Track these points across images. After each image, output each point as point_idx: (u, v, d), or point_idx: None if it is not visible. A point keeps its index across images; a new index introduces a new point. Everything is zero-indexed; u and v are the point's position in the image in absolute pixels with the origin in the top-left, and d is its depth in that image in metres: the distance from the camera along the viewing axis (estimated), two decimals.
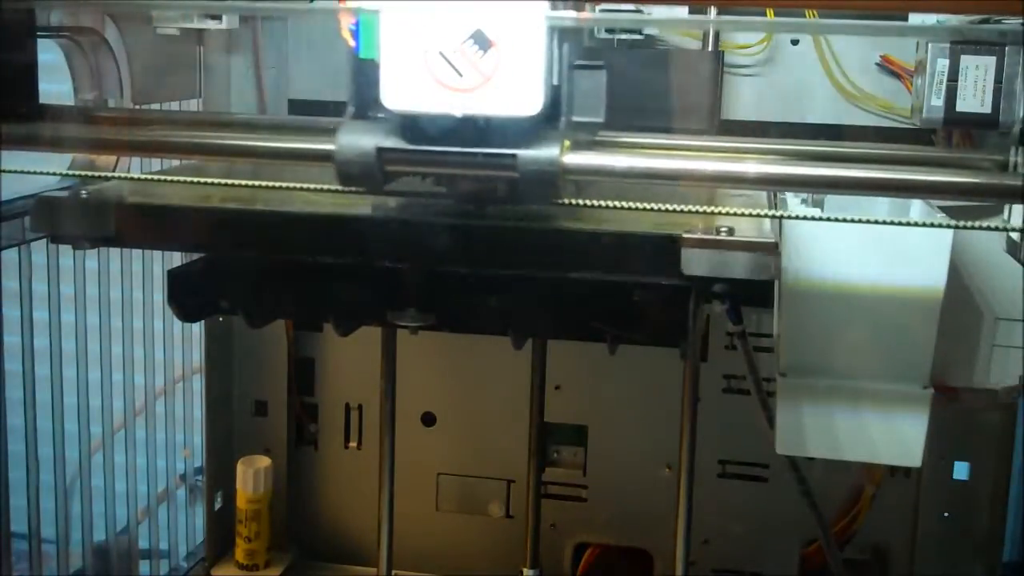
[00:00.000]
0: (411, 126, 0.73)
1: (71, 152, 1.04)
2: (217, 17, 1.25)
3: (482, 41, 0.69)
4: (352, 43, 0.73)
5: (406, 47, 0.70)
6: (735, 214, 0.81)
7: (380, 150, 0.73)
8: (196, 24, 1.26)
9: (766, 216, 0.82)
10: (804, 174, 0.76)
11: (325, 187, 0.80)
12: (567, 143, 0.73)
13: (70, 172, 1.08)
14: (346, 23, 0.73)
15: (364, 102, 0.75)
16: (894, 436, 0.91)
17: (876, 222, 0.79)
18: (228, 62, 1.36)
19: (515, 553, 1.30)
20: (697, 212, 0.81)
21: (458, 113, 0.71)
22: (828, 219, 0.79)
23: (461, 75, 0.70)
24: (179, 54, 1.30)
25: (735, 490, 1.35)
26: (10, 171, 0.91)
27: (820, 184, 0.77)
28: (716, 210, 0.82)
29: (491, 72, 0.70)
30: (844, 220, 0.80)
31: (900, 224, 0.83)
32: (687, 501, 1.08)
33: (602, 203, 0.77)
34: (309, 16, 1.34)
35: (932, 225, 0.82)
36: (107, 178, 1.00)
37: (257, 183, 0.86)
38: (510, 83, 0.70)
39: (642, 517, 1.35)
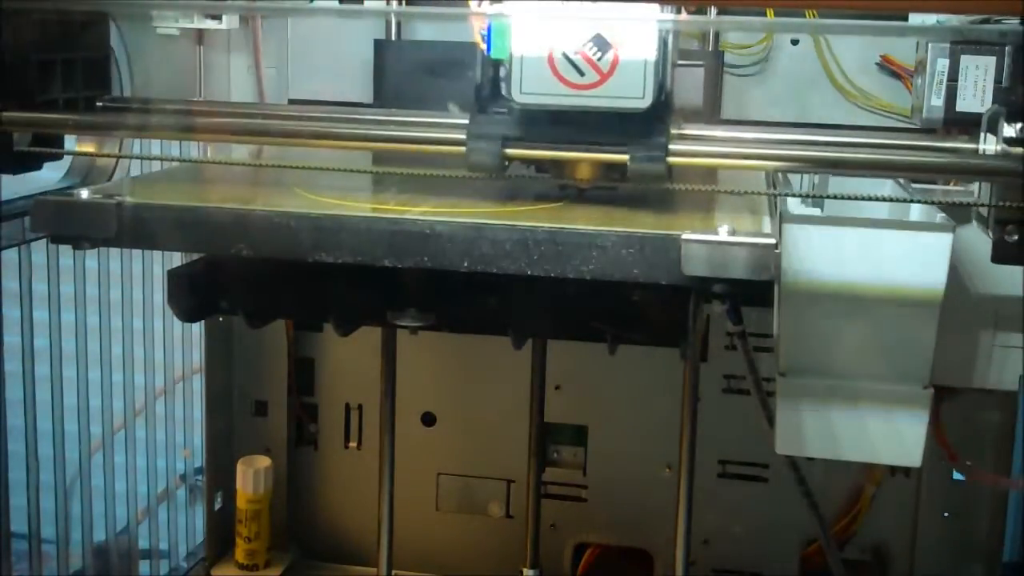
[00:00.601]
0: (531, 118, 0.82)
1: (206, 140, 1.10)
2: (217, 17, 1.25)
3: (601, 43, 0.78)
4: (483, 45, 0.81)
5: (534, 49, 0.79)
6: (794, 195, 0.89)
7: (505, 139, 0.83)
8: (196, 24, 1.26)
9: (827, 197, 0.89)
10: (881, 159, 0.83)
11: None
12: (672, 133, 0.82)
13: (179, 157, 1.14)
14: (478, 27, 0.81)
15: (487, 97, 0.84)
16: (894, 436, 0.91)
17: (870, 198, 0.83)
18: (228, 62, 1.36)
19: (515, 553, 1.30)
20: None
21: (580, 107, 0.79)
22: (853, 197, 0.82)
23: (582, 74, 0.79)
24: (179, 54, 1.30)
25: (735, 490, 1.35)
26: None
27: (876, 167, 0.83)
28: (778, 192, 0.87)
29: (609, 71, 0.78)
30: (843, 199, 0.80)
31: (874, 198, 0.85)
32: (687, 501, 1.08)
33: (691, 187, 0.86)
34: (309, 16, 1.34)
35: (891, 200, 0.87)
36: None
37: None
38: (625, 80, 0.78)
39: (642, 517, 1.35)
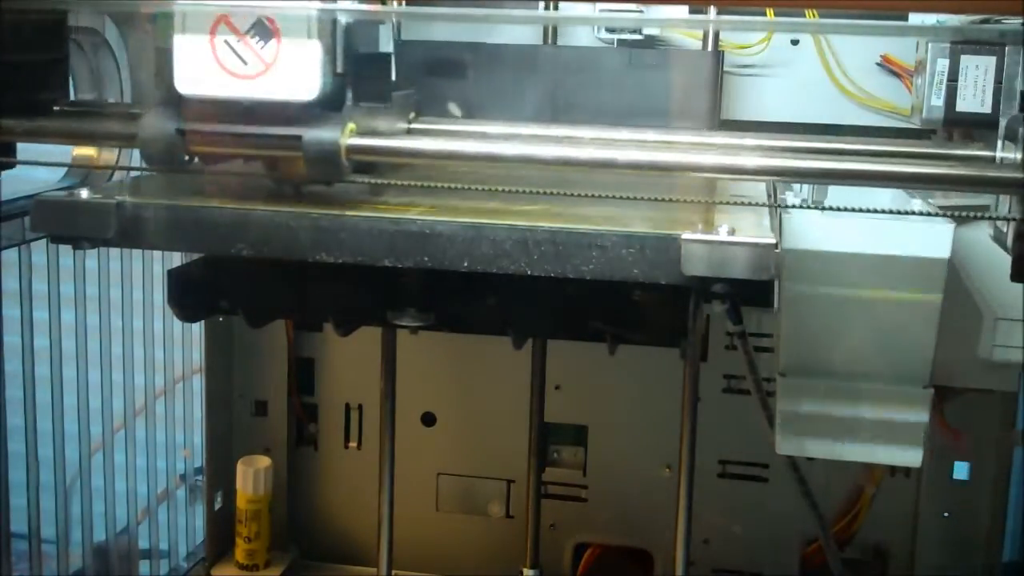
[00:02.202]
0: (213, 110, 0.79)
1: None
2: None
3: (264, 32, 0.76)
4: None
5: (197, 36, 0.77)
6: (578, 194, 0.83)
7: (179, 131, 0.80)
8: None
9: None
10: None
11: None
12: (351, 126, 0.79)
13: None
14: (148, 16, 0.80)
15: (170, 89, 0.80)
16: (894, 436, 0.91)
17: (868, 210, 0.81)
18: None
19: (515, 553, 1.30)
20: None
21: (242, 97, 0.77)
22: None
23: (246, 63, 0.76)
24: None
25: (735, 490, 1.35)
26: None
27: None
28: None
29: (272, 60, 0.76)
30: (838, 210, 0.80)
31: (897, 212, 0.83)
32: (687, 501, 1.08)
33: (403, 182, 0.85)
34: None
35: (924, 214, 0.82)
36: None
37: None
38: (289, 70, 0.76)
39: (642, 517, 1.35)
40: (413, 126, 0.86)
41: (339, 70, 0.78)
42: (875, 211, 0.82)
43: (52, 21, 0.93)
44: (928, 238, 0.87)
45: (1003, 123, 0.83)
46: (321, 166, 0.79)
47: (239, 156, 0.85)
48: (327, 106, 0.79)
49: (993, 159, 0.80)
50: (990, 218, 0.80)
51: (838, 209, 0.81)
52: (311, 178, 0.82)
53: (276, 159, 0.84)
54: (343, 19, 0.77)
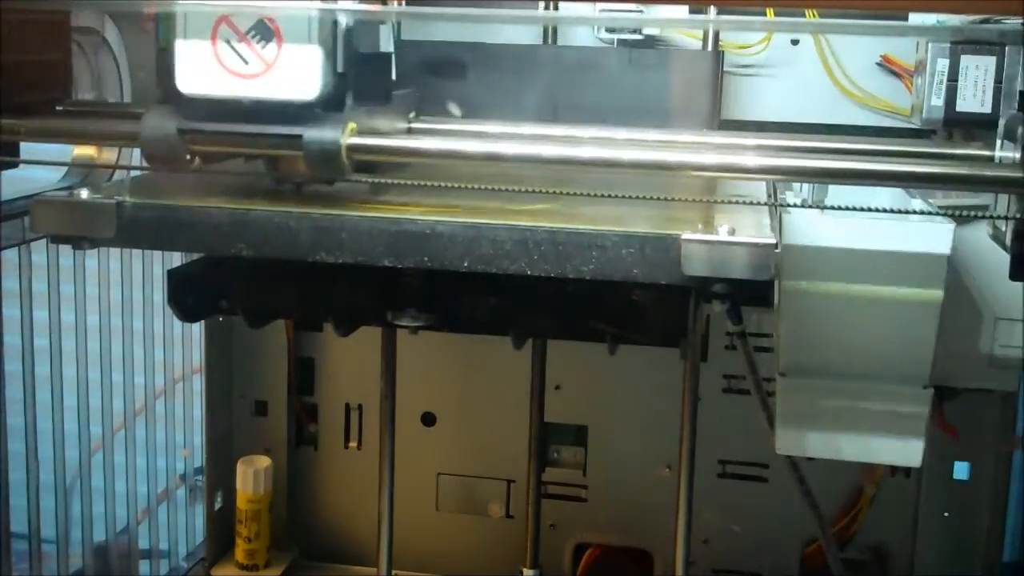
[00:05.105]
0: (214, 110, 0.80)
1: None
2: None
3: (264, 32, 0.76)
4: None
5: (199, 36, 0.77)
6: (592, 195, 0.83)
7: (180, 131, 0.80)
8: None
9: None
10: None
11: None
12: (352, 125, 0.79)
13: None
14: (149, 16, 0.81)
15: (170, 88, 0.81)
16: (894, 436, 0.91)
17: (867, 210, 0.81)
18: None
19: (515, 553, 1.30)
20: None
21: (243, 97, 0.78)
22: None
23: (247, 62, 0.77)
24: None
25: (735, 490, 1.35)
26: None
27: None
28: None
29: (273, 60, 0.76)
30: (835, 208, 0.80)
31: (898, 211, 0.83)
32: (687, 501, 1.08)
33: (404, 181, 0.86)
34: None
35: (924, 213, 0.82)
36: None
37: None
38: (290, 70, 0.77)
39: (642, 517, 1.35)
40: (414, 125, 0.86)
41: (340, 70, 0.79)
42: (875, 210, 0.82)
43: (55, 22, 0.93)
44: (928, 237, 0.87)
45: (1002, 122, 0.83)
46: (323, 165, 0.79)
47: (240, 155, 0.85)
48: (328, 106, 0.79)
49: (992, 158, 0.80)
50: (989, 217, 0.80)
51: (838, 208, 0.82)
52: (313, 177, 0.82)
53: (278, 159, 0.84)
54: (344, 20, 0.78)
